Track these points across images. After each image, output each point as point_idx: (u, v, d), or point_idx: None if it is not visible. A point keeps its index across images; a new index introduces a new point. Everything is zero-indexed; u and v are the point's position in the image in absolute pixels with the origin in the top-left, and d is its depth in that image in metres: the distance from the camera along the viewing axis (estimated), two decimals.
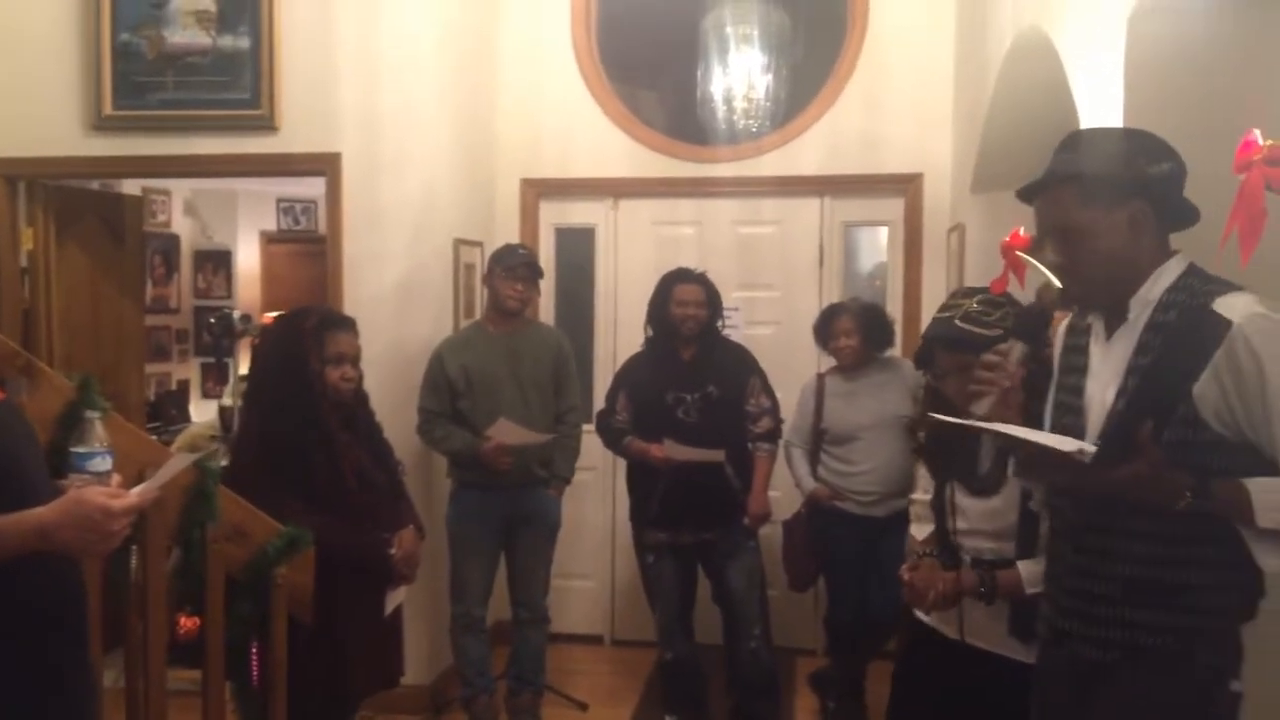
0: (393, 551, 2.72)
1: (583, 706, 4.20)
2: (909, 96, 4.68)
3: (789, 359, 4.53)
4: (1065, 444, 1.62)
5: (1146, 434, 1.58)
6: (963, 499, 2.46)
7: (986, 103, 3.71)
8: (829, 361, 4.04)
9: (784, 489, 4.18)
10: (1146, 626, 1.70)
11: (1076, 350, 1.87)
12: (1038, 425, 1.89)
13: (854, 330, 3.84)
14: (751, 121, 4.87)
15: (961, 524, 2.46)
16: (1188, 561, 1.67)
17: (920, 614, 2.53)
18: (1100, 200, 1.71)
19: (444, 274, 4.38)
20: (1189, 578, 1.67)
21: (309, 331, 2.67)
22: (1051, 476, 1.83)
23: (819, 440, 3.95)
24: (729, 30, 4.85)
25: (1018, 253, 2.47)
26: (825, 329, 3.94)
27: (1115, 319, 1.77)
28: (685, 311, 3.77)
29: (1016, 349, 1.86)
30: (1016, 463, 1.90)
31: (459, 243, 4.46)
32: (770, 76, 4.83)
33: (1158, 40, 2.17)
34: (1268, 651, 1.76)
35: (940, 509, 2.52)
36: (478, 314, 4.39)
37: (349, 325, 2.81)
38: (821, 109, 4.80)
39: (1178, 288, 1.71)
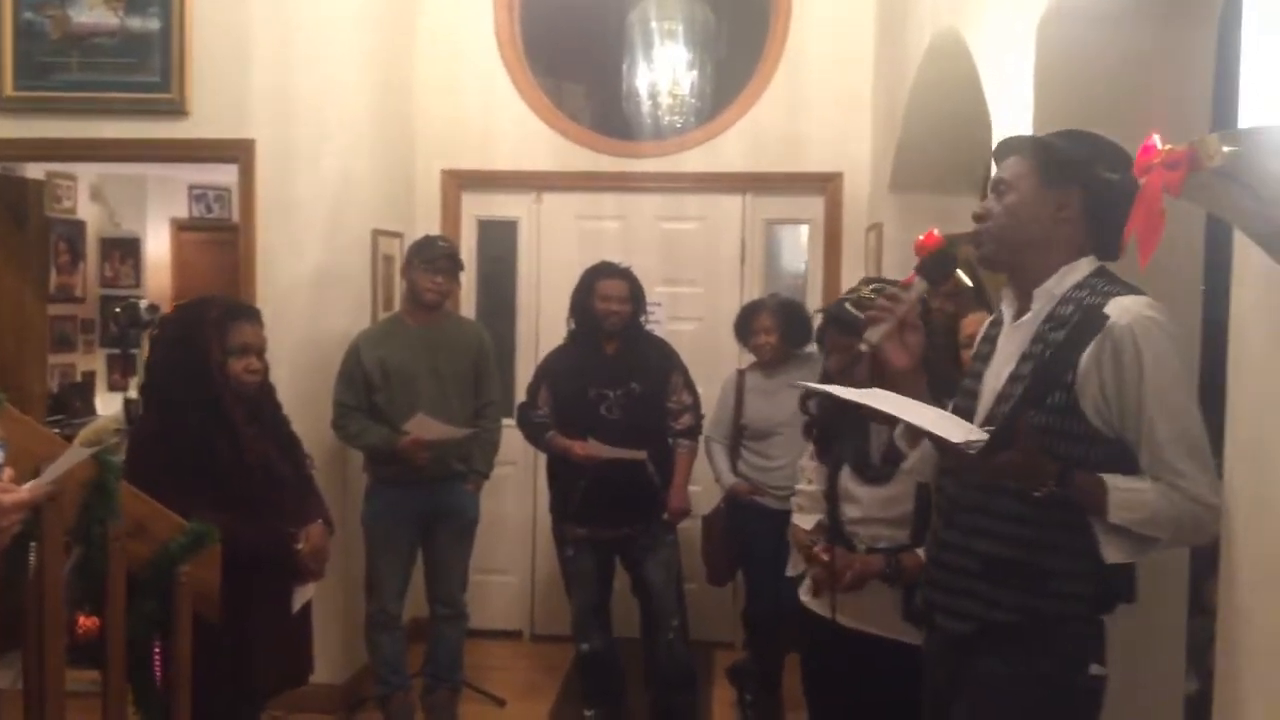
0: (300, 547, 2.66)
1: (500, 702, 4.17)
2: (830, 96, 4.74)
3: (711, 354, 4.56)
4: (954, 433, 1.66)
5: (1024, 422, 1.63)
6: (856, 488, 2.50)
7: (904, 103, 3.77)
8: (750, 357, 4.07)
9: (704, 484, 4.21)
10: (1003, 604, 1.75)
11: (987, 341, 1.93)
12: (938, 394, 1.95)
13: (773, 328, 3.87)
14: (676, 117, 4.89)
15: (855, 512, 2.50)
16: (1049, 547, 1.72)
17: (810, 603, 2.58)
18: (1043, 172, 1.76)
19: (362, 265, 4.31)
20: (1048, 562, 1.72)
21: (211, 322, 2.60)
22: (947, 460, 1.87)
23: (739, 436, 3.98)
24: (654, 25, 4.86)
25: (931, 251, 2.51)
26: (745, 326, 3.97)
27: (1022, 309, 1.82)
28: (609, 307, 3.76)
29: (918, 284, 1.90)
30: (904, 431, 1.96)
31: (377, 233, 4.38)
32: (695, 73, 4.86)
33: (1065, 46, 2.23)
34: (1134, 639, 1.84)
35: (832, 498, 2.56)
36: (397, 306, 4.32)
37: (253, 315, 2.73)
38: (744, 106, 4.83)
39: (1083, 285, 1.75)
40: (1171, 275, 2.11)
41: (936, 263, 1.92)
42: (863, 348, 1.90)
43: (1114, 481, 1.63)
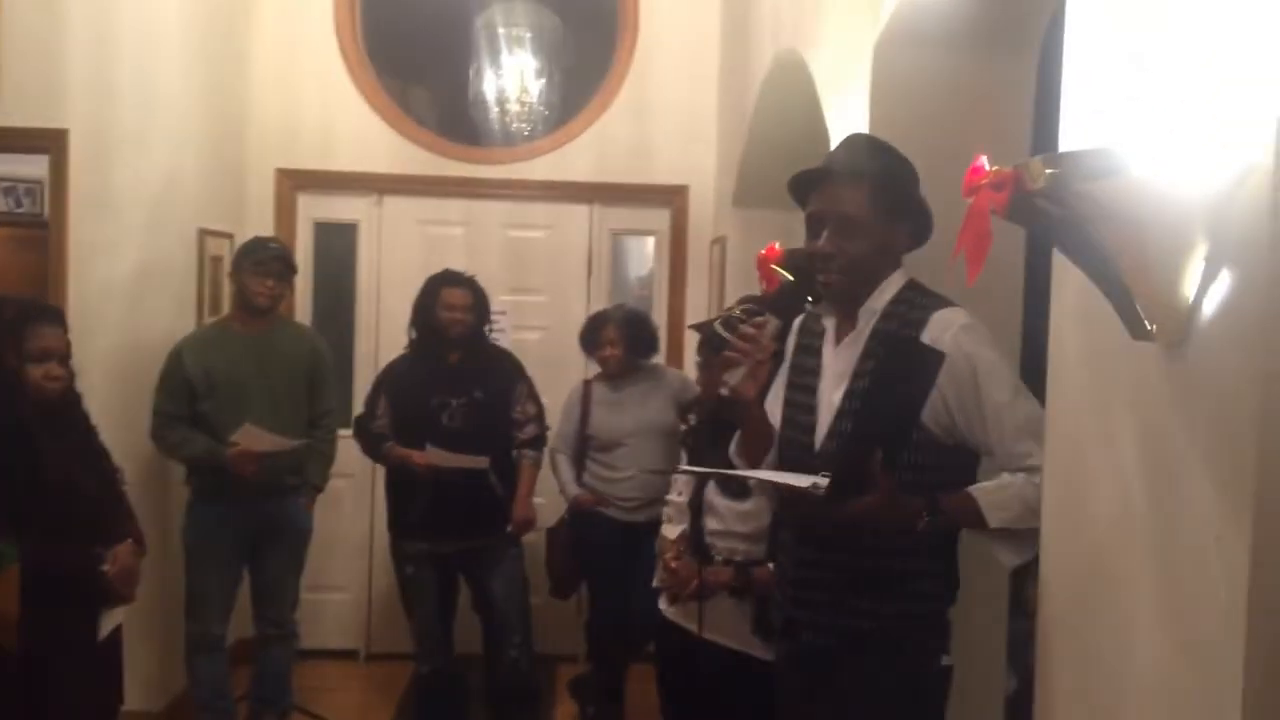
0: (106, 568, 2.47)
1: None
2: (676, 109, 4.79)
3: (557, 364, 4.52)
4: (799, 480, 1.69)
5: (878, 464, 1.64)
6: (718, 500, 2.53)
7: (747, 120, 3.84)
8: (596, 368, 4.05)
9: (548, 496, 4.16)
10: (868, 614, 1.81)
11: (810, 351, 1.97)
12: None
13: (619, 340, 3.87)
14: (524, 125, 4.84)
15: (715, 524, 2.53)
16: (906, 552, 1.79)
17: (668, 613, 2.58)
18: (882, 210, 1.84)
19: (187, 266, 4.07)
20: (907, 567, 1.80)
21: (6, 325, 2.38)
22: (797, 509, 1.89)
23: (584, 447, 3.96)
24: (501, 31, 4.80)
25: (771, 265, 2.56)
26: (591, 338, 3.96)
27: (846, 326, 1.89)
28: (452, 316, 3.67)
29: (771, 323, 1.93)
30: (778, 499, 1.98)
31: (204, 233, 4.15)
32: (543, 81, 4.82)
33: (899, 69, 2.31)
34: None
35: (696, 508, 2.58)
36: (226, 311, 4.10)
37: (54, 317, 2.52)
38: (592, 116, 4.83)
39: (899, 299, 1.85)
40: (994, 292, 2.20)
41: (788, 299, 1.96)
42: (723, 391, 1.93)
43: (979, 491, 1.71)
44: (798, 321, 2.05)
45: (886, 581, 1.79)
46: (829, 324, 1.92)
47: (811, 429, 1.87)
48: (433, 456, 3.57)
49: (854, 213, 1.83)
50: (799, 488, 1.67)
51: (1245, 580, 1.00)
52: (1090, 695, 1.39)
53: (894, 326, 1.81)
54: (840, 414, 1.83)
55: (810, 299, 2.06)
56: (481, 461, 3.61)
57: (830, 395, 1.87)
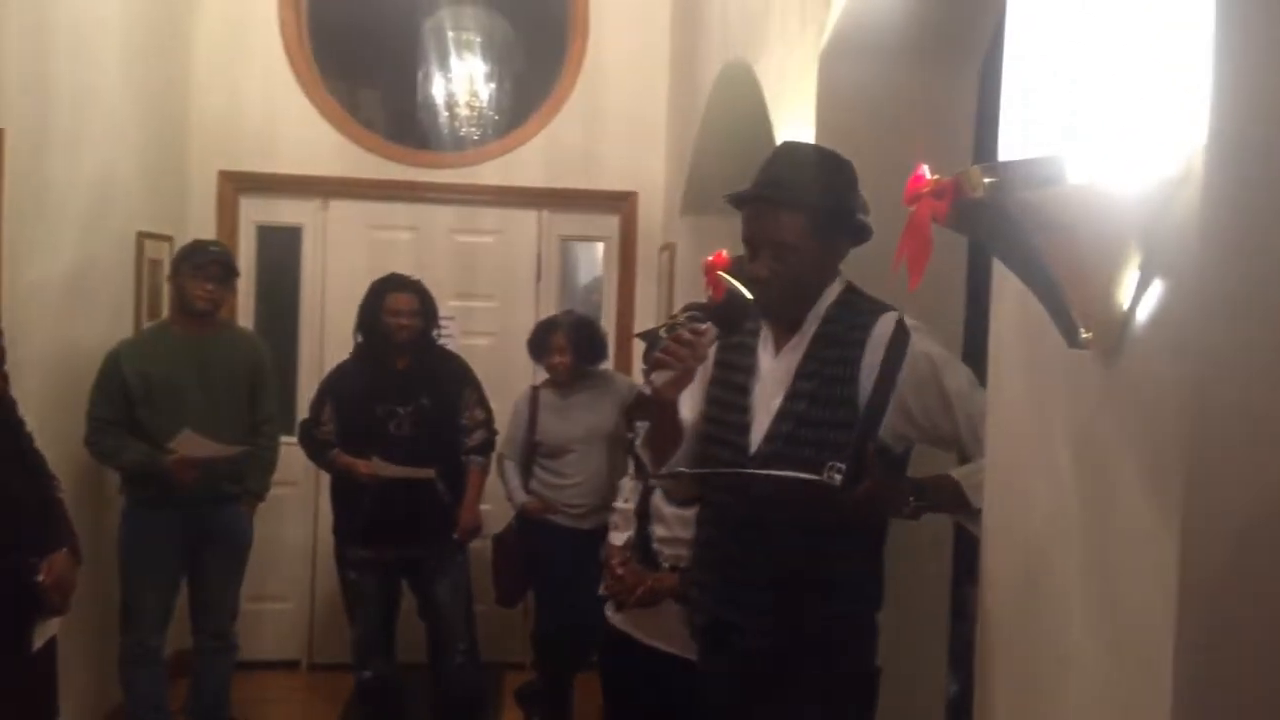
0: (40, 578, 2.40)
1: None
2: (626, 116, 4.80)
3: (505, 370, 4.49)
4: (807, 474, 1.68)
5: (873, 453, 1.65)
6: (665, 507, 2.54)
7: (696, 127, 3.86)
8: (545, 374, 4.04)
9: (495, 502, 4.14)
10: (799, 618, 1.82)
11: (741, 351, 1.97)
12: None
13: (567, 347, 3.86)
14: (473, 129, 4.82)
15: (662, 531, 2.53)
16: (838, 555, 1.81)
17: (615, 620, 2.58)
18: (821, 232, 1.84)
19: (124, 269, 3.98)
20: (839, 570, 1.82)
21: None
22: (790, 504, 1.84)
23: (532, 453, 3.94)
24: (451, 35, 4.78)
25: (718, 272, 2.57)
26: (540, 345, 3.94)
27: (786, 331, 1.89)
28: (398, 321, 3.64)
29: (711, 332, 1.93)
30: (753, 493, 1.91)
31: (143, 236, 4.07)
32: (493, 85, 4.80)
33: (844, 79, 2.34)
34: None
35: (643, 515, 2.58)
36: (165, 316, 4.02)
37: None
38: (542, 122, 4.82)
39: (840, 303, 1.88)
40: (937, 299, 2.24)
41: (730, 310, 1.96)
42: (645, 390, 1.95)
43: (959, 473, 1.74)
44: (714, 340, 2.03)
45: (820, 584, 1.81)
46: (765, 329, 1.93)
47: (744, 430, 1.88)
48: (378, 467, 3.53)
49: (792, 240, 1.83)
50: (814, 480, 1.66)
51: (1175, 580, 1.02)
52: (1027, 696, 1.41)
53: (838, 330, 1.83)
54: (781, 416, 1.84)
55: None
56: (427, 473, 3.58)
57: (769, 400, 1.87)
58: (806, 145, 1.99)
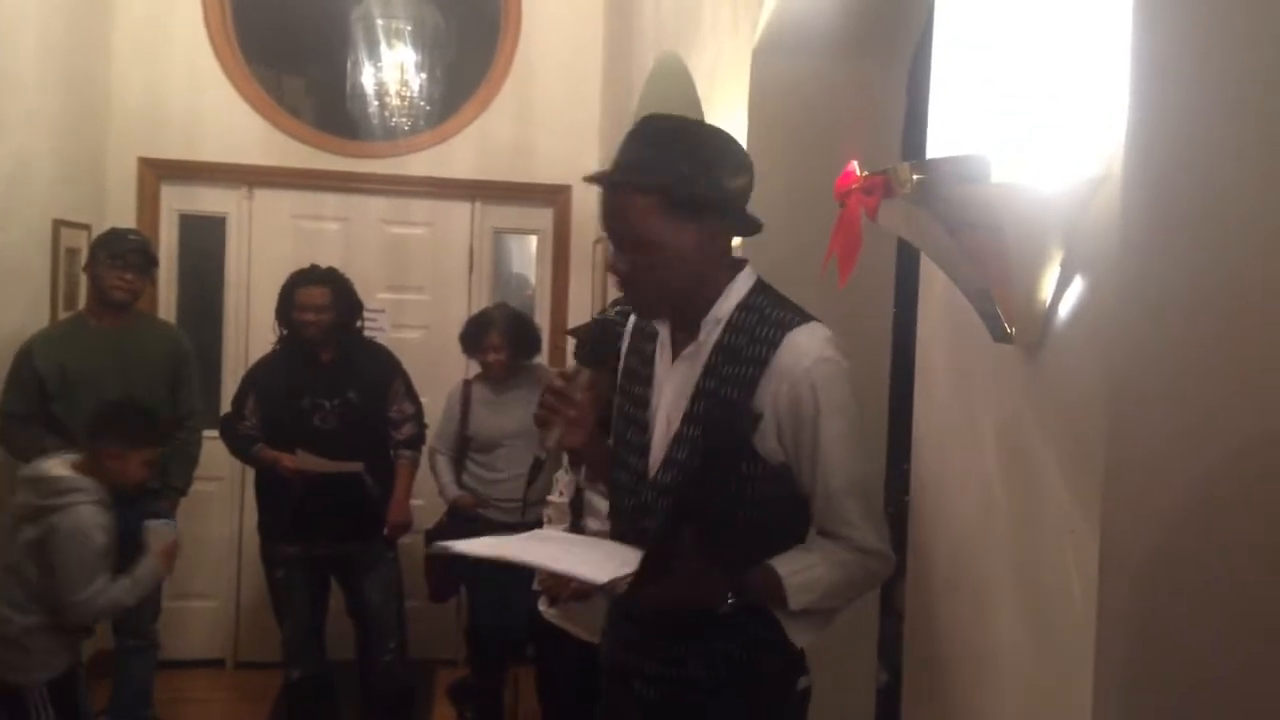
0: None
1: None
2: (559, 108, 4.77)
3: (437, 363, 4.44)
4: (599, 574, 1.49)
5: (693, 539, 1.50)
6: (599, 501, 2.52)
7: (629, 121, 3.85)
8: (477, 367, 4.00)
9: (427, 497, 4.08)
10: (709, 654, 1.61)
11: (643, 357, 1.74)
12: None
13: (503, 345, 3.82)
14: (404, 119, 4.73)
15: (596, 525, 2.52)
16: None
17: (548, 615, 2.56)
18: (677, 213, 1.55)
19: (40, 259, 3.84)
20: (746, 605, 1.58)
21: None
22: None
23: (464, 447, 3.90)
24: (380, 23, 4.68)
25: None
26: (474, 341, 3.89)
27: (684, 335, 1.65)
28: (305, 316, 3.55)
29: (583, 374, 1.72)
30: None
31: (59, 224, 3.93)
32: (424, 75, 4.73)
33: (776, 75, 2.35)
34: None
35: (577, 509, 2.57)
36: (82, 306, 3.89)
37: None
38: (474, 113, 4.77)
39: (747, 306, 1.60)
40: (865, 297, 2.26)
41: (594, 345, 1.85)
42: (540, 455, 1.72)
43: (785, 569, 1.54)
44: (631, 319, 1.81)
45: (725, 629, 1.58)
46: (663, 330, 1.69)
47: (644, 451, 1.66)
48: (303, 461, 3.46)
49: (645, 226, 1.55)
50: (597, 583, 1.48)
51: (1095, 570, 1.04)
52: (952, 687, 1.44)
53: (741, 343, 1.57)
54: (677, 441, 1.61)
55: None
56: (355, 466, 3.53)
57: (667, 415, 1.64)
58: (667, 119, 1.65)
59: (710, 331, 1.61)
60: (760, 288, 1.63)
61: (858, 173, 1.32)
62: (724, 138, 1.65)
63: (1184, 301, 1.03)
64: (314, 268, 3.67)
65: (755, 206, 1.61)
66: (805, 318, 1.59)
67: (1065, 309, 1.15)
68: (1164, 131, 1.02)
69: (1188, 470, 1.04)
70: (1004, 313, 1.21)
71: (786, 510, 1.59)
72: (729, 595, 1.53)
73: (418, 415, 3.80)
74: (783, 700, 1.66)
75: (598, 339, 1.81)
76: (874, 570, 1.57)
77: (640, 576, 1.47)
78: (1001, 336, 1.23)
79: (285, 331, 3.65)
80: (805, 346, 1.54)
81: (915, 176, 1.17)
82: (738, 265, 1.64)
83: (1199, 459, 1.04)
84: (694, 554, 1.50)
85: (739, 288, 1.62)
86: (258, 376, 3.68)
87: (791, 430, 1.53)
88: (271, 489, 3.62)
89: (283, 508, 3.56)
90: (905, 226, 1.30)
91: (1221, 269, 1.03)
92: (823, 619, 1.59)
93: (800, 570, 1.54)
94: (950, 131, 1.26)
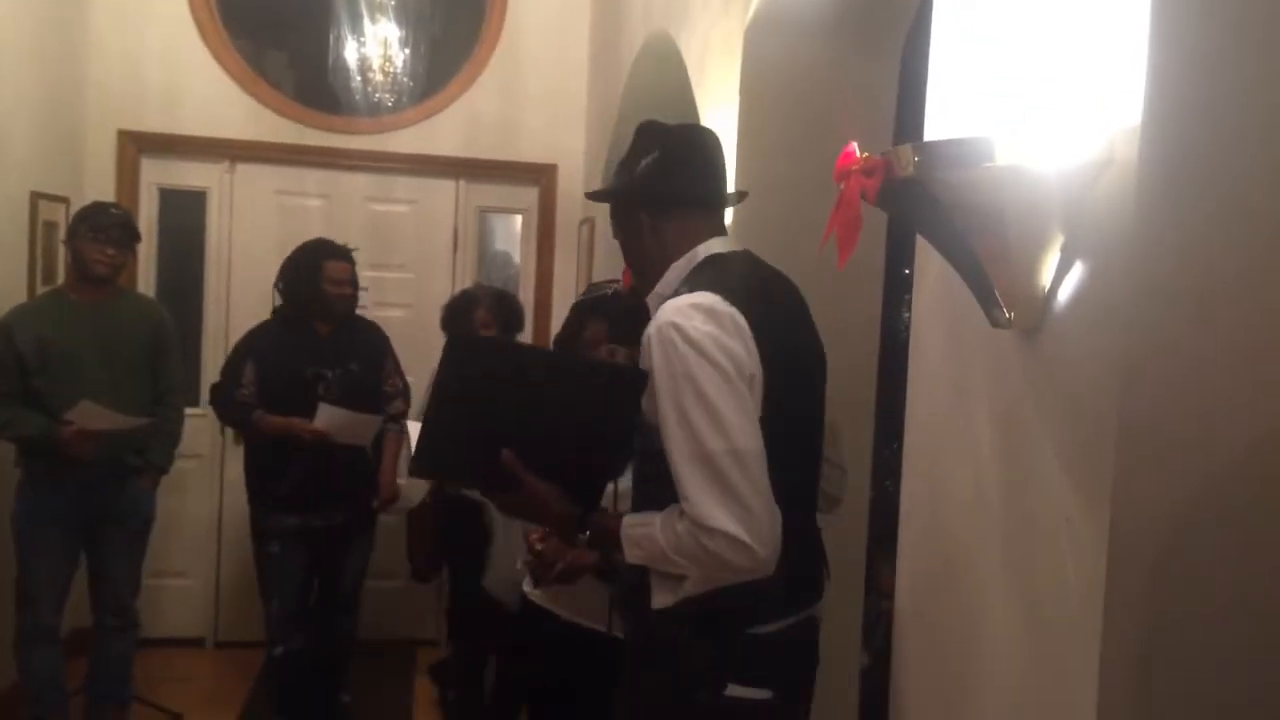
0: None
1: (176, 717, 3.82)
2: (546, 87, 4.73)
3: (420, 341, 4.40)
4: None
5: (509, 460, 1.56)
6: None
7: (617, 101, 3.82)
8: None
9: (410, 478, 4.06)
10: (635, 615, 1.70)
11: None
12: None
13: (491, 322, 3.80)
14: (388, 95, 4.68)
15: None
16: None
17: (532, 596, 2.55)
18: (617, 213, 1.77)
19: (18, 232, 3.79)
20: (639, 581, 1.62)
21: None
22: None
23: None
24: None
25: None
26: (460, 320, 3.86)
27: None
28: (340, 290, 3.58)
29: (619, 352, 1.84)
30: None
31: (37, 196, 3.87)
32: (408, 51, 4.67)
33: (768, 55, 2.33)
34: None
35: None
36: (61, 280, 3.84)
37: None
38: (460, 90, 4.72)
39: (687, 281, 1.64)
40: (854, 279, 2.26)
41: (626, 323, 1.89)
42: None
43: (629, 519, 1.57)
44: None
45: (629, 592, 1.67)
46: None
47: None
48: (327, 417, 3.43)
49: (617, 231, 1.79)
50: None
51: (1103, 567, 1.02)
52: (944, 676, 1.44)
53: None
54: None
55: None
56: (376, 419, 3.57)
57: None
58: (640, 124, 1.81)
59: (655, 307, 1.65)
60: (708, 263, 1.66)
61: (857, 154, 1.30)
62: (644, 127, 1.77)
63: (1188, 284, 1.02)
64: (332, 242, 3.66)
65: (747, 188, 1.59)
66: (715, 284, 1.57)
67: (1065, 294, 1.14)
68: (1180, 113, 1.01)
69: (1199, 461, 1.02)
70: (1002, 297, 1.20)
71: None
72: (582, 529, 1.60)
73: (406, 391, 3.83)
74: (690, 698, 1.57)
75: (628, 315, 1.85)
76: (716, 551, 1.45)
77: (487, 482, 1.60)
78: (999, 321, 1.22)
79: (291, 302, 3.61)
80: (664, 313, 1.55)
81: (916, 158, 1.16)
82: (693, 243, 1.69)
83: (1215, 449, 1.01)
84: (530, 480, 1.57)
85: (680, 268, 1.67)
86: (256, 345, 3.64)
87: (649, 395, 1.55)
88: (269, 458, 3.58)
89: (282, 477, 3.53)
90: (903, 209, 1.29)
91: (1240, 254, 1.01)
92: (675, 584, 1.55)
93: (638, 525, 1.55)
94: (949, 113, 1.24)
